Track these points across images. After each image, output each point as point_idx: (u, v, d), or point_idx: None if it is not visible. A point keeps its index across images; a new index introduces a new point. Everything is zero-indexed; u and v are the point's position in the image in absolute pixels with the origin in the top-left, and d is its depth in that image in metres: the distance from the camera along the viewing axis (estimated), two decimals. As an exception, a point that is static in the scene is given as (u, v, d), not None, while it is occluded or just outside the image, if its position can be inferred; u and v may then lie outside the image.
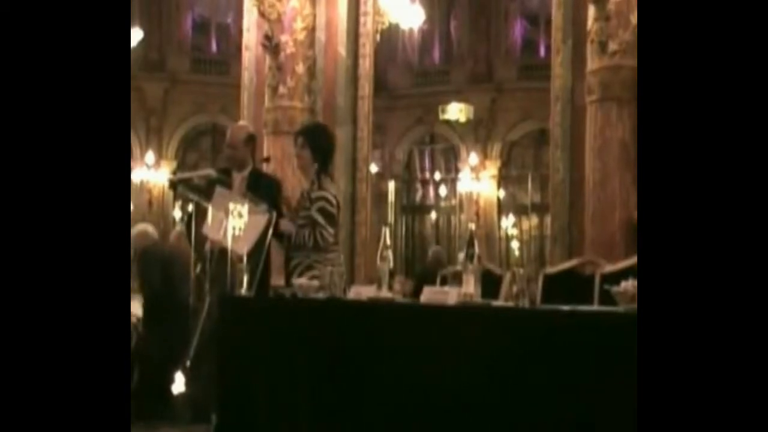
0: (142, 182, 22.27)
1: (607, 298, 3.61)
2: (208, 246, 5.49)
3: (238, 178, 5.82)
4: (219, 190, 5.43)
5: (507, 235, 22.58)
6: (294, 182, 9.04)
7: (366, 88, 9.62)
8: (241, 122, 7.69)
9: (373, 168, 14.98)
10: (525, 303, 3.49)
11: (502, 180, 22.81)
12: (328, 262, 5.24)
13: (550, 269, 5.46)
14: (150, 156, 22.28)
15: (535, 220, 22.25)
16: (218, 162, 6.65)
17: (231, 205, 5.18)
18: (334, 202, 5.36)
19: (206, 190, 5.61)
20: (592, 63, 7.02)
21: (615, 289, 3.37)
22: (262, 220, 5.21)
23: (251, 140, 6.05)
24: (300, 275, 5.12)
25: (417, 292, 4.48)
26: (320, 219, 5.28)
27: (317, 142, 5.47)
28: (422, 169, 24.44)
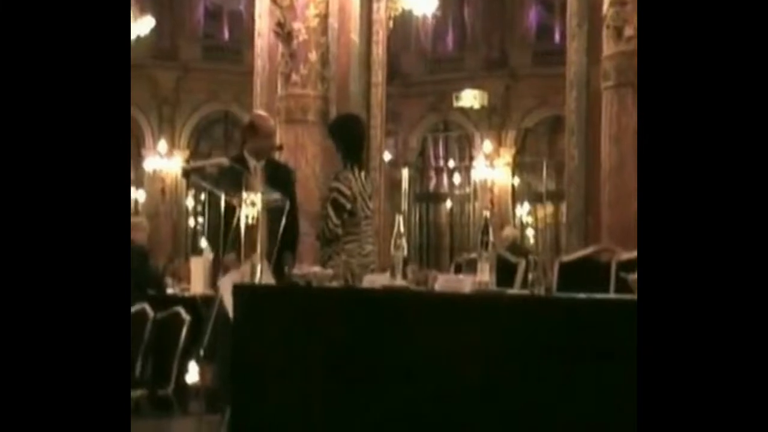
0: (155, 171, 22.31)
1: (623, 286, 3.58)
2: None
3: (258, 167, 5.83)
4: (226, 278, 5.22)
5: (522, 222, 22.53)
6: (308, 171, 9.04)
7: (379, 75, 9.59)
8: (261, 112, 7.68)
9: (387, 156, 14.95)
10: (540, 291, 3.46)
11: (517, 167, 22.75)
12: (345, 252, 5.21)
13: (566, 257, 5.43)
14: (162, 145, 22.29)
15: (550, 207, 22.17)
16: (230, 151, 6.74)
17: (245, 194, 5.18)
18: (347, 192, 5.31)
19: (219, 179, 5.60)
20: (607, 48, 6.98)
21: (632, 276, 3.33)
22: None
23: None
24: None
25: None
26: (329, 210, 5.26)
27: (340, 133, 5.48)
28: (436, 157, 24.40)
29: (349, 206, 5.28)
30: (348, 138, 5.45)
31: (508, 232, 11.65)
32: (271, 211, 5.31)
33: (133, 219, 7.75)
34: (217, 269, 5.77)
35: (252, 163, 5.84)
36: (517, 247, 10.72)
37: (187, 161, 21.21)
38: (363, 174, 5.39)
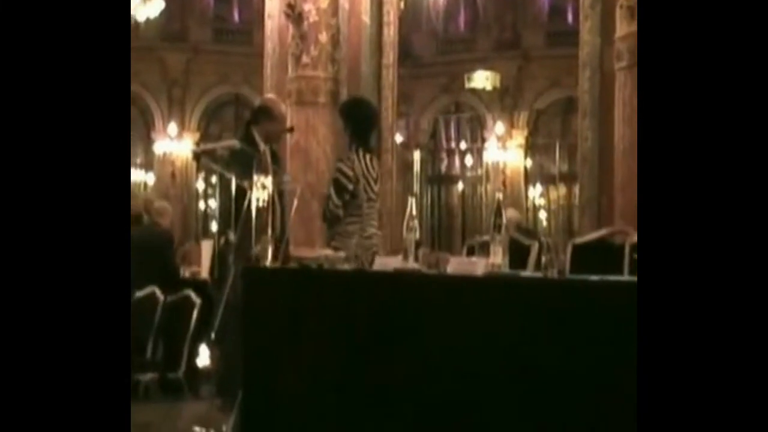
0: (165, 154, 22.30)
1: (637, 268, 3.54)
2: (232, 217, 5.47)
3: (267, 150, 5.82)
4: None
5: (534, 204, 22.47)
6: (318, 152, 9.01)
7: (390, 56, 9.54)
8: (272, 95, 7.64)
9: (398, 138, 14.89)
10: (553, 273, 3.43)
11: (530, 149, 22.66)
12: (348, 234, 5.21)
13: (579, 239, 5.39)
14: (173, 127, 22.28)
15: (563, 189, 22.10)
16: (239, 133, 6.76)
17: (255, 177, 5.17)
18: (349, 173, 5.32)
19: (230, 161, 5.58)
20: (621, 29, 6.91)
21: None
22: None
23: None
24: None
25: None
26: (331, 191, 5.33)
27: (349, 116, 5.53)
28: (448, 139, 24.32)
29: (350, 187, 5.29)
30: (356, 120, 5.46)
31: (510, 214, 11.55)
32: (281, 194, 5.32)
33: (157, 203, 7.74)
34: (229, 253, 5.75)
35: (262, 146, 5.84)
36: (524, 228, 10.65)
37: (198, 144, 21.18)
38: (369, 156, 5.40)
